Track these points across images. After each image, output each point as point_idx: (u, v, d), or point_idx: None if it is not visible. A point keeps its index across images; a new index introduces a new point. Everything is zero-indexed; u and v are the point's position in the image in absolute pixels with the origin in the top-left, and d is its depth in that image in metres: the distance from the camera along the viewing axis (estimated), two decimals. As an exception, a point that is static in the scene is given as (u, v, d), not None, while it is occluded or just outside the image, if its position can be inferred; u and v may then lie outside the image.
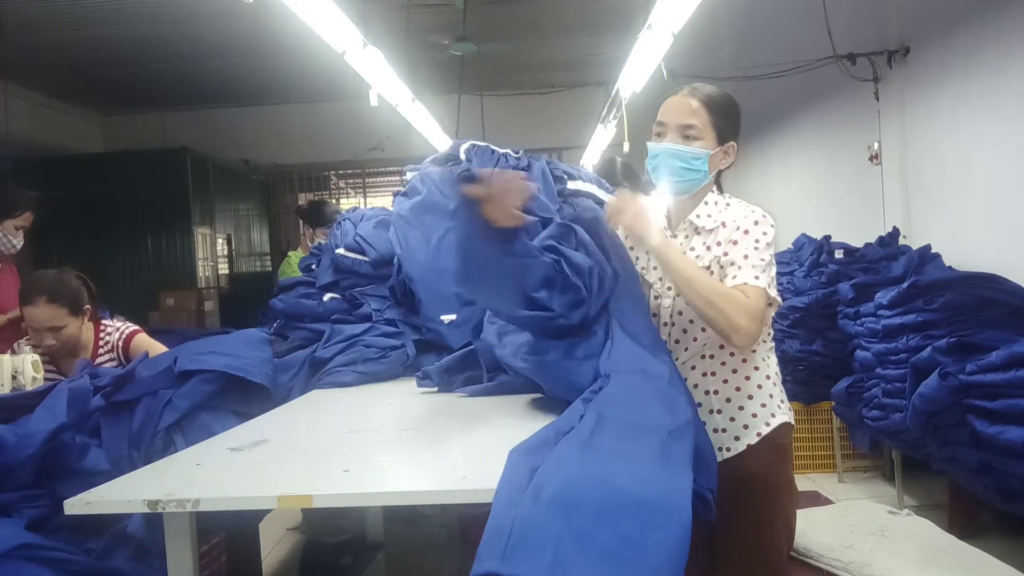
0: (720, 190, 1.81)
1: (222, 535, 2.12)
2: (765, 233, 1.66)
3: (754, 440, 1.70)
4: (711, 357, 1.72)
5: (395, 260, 2.44)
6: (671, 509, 1.10)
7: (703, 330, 1.71)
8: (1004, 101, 3.35)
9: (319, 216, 4.26)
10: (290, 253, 4.61)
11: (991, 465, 2.56)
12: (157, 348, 2.53)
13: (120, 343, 2.58)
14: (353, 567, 2.68)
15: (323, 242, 3.94)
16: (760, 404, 1.72)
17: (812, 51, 4.54)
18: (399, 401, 2.00)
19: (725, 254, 1.66)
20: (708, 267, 1.69)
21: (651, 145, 1.75)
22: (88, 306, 2.55)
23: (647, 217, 1.69)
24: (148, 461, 1.61)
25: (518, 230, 1.55)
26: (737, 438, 1.71)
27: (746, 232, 1.66)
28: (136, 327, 2.67)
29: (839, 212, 5.10)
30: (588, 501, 1.10)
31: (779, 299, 1.69)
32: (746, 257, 1.63)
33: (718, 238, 1.71)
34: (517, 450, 1.25)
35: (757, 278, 1.61)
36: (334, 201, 10.91)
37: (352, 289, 2.52)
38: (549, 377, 1.67)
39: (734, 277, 1.62)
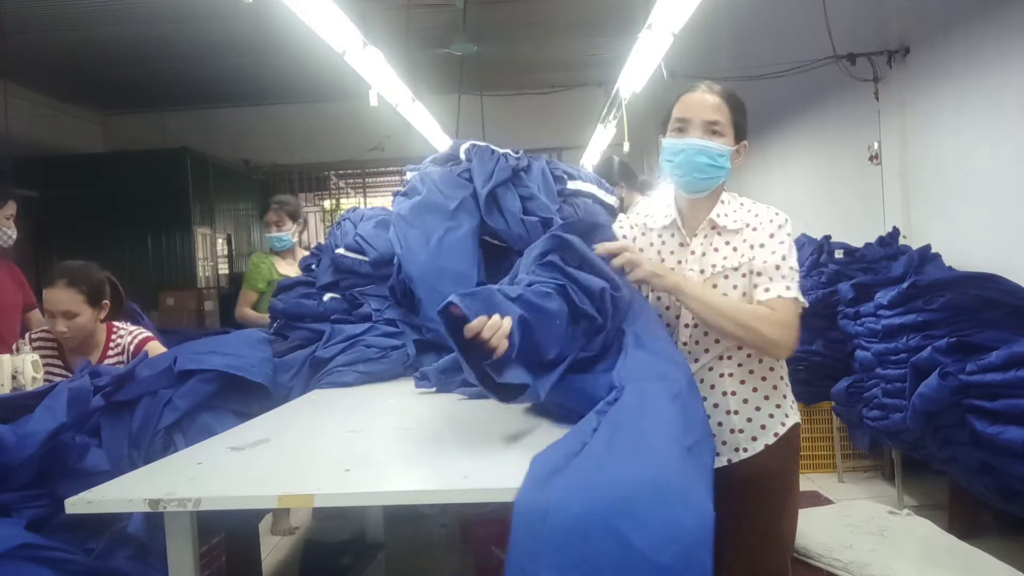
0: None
1: (222, 535, 2.12)
2: (789, 235, 1.70)
3: (771, 440, 1.72)
4: (729, 358, 1.73)
5: (395, 260, 2.44)
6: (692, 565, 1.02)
7: None
8: (1004, 101, 3.35)
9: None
10: (252, 256, 4.13)
11: (991, 465, 2.56)
12: None
13: (132, 347, 2.58)
14: (353, 567, 2.68)
15: (268, 235, 3.88)
16: (775, 405, 1.73)
17: (812, 51, 4.54)
18: (399, 401, 2.00)
19: (752, 259, 1.67)
20: (738, 268, 1.69)
21: (672, 141, 1.71)
22: (106, 301, 2.56)
23: (655, 263, 1.71)
24: (148, 461, 1.60)
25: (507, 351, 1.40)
26: (754, 438, 1.72)
27: (775, 238, 1.69)
28: (150, 334, 2.67)
29: (839, 212, 5.10)
30: (599, 557, 1.02)
31: (805, 302, 1.71)
32: (777, 268, 1.65)
33: (747, 240, 1.70)
34: (527, 485, 1.12)
35: (788, 288, 1.64)
36: (334, 201, 10.94)
37: (352, 289, 2.51)
38: (565, 392, 1.56)
39: (766, 290, 1.64)
